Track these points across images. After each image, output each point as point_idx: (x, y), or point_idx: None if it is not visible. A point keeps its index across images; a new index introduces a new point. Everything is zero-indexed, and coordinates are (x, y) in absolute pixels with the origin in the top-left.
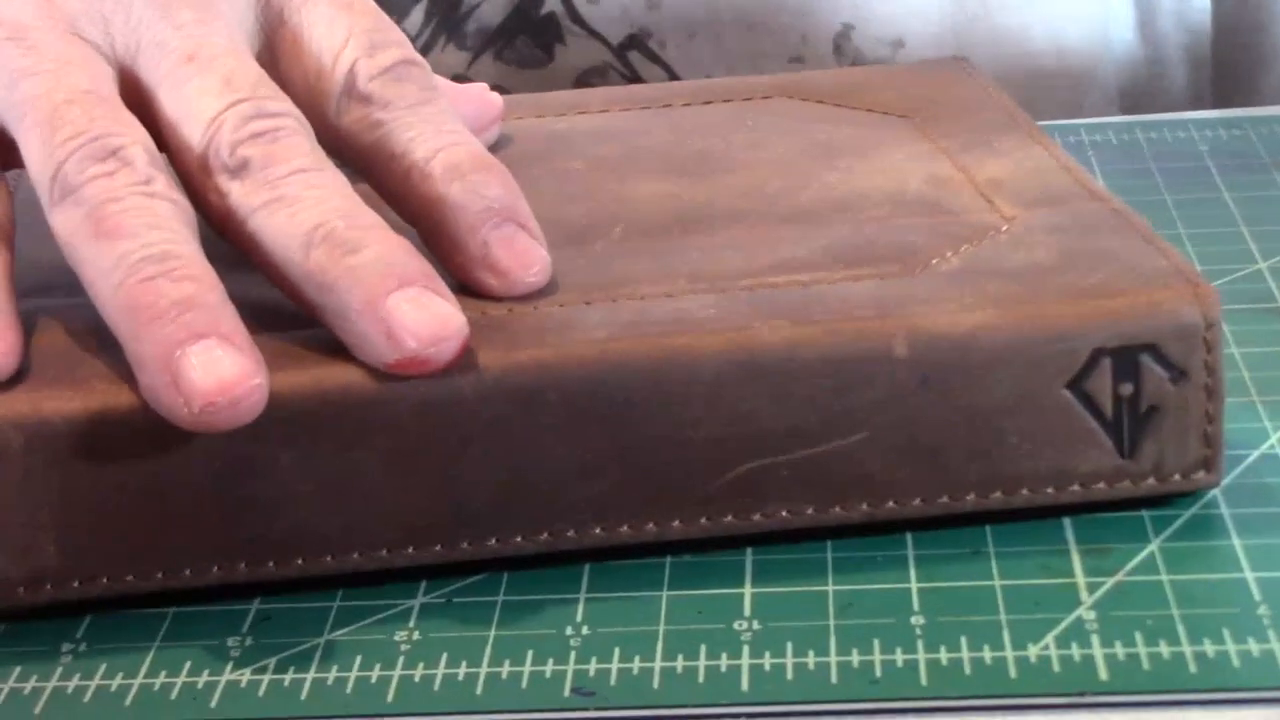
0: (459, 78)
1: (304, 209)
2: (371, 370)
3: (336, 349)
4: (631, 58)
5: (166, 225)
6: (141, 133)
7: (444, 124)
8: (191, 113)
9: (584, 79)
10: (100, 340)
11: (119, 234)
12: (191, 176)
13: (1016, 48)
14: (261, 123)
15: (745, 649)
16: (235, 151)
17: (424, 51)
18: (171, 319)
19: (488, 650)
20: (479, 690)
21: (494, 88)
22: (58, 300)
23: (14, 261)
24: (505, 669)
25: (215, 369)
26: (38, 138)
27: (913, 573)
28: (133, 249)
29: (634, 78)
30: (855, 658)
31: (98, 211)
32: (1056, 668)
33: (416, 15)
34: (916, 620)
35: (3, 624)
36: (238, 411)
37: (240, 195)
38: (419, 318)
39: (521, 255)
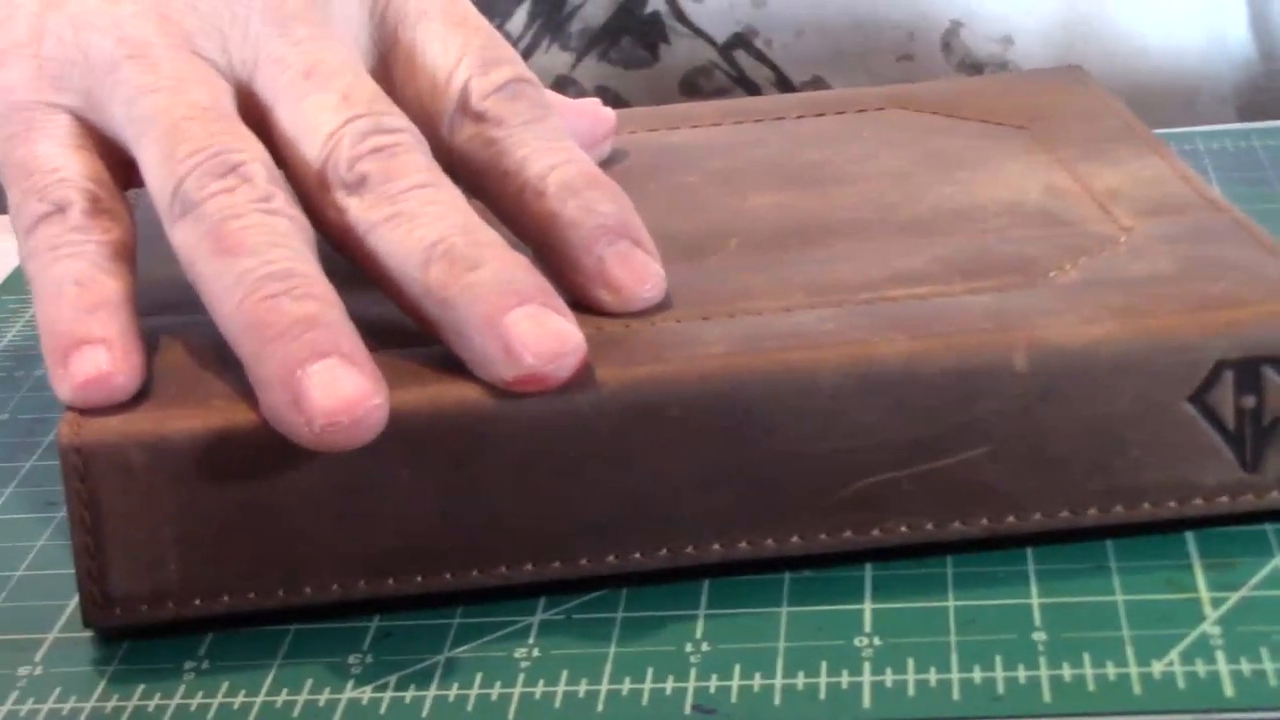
0: (563, 79)
1: (423, 224)
2: (489, 387)
3: (454, 366)
4: (737, 56)
5: (287, 242)
6: (260, 149)
7: (557, 141)
8: (309, 128)
9: (689, 79)
10: (220, 358)
11: (240, 251)
12: (309, 192)
13: (1128, 44)
14: (380, 138)
15: (866, 665)
16: (354, 167)
17: (527, 53)
18: (293, 338)
19: (608, 667)
20: (600, 707)
21: (598, 89)
22: (178, 318)
23: (136, 281)
24: (625, 686)
25: (336, 388)
26: (158, 154)
27: (1034, 588)
28: (254, 266)
29: (740, 77)
30: (977, 674)
31: (219, 229)
32: (1181, 684)
33: (520, 16)
34: (1038, 636)
35: (126, 642)
36: (359, 430)
37: (359, 211)
38: (537, 334)
39: (637, 271)
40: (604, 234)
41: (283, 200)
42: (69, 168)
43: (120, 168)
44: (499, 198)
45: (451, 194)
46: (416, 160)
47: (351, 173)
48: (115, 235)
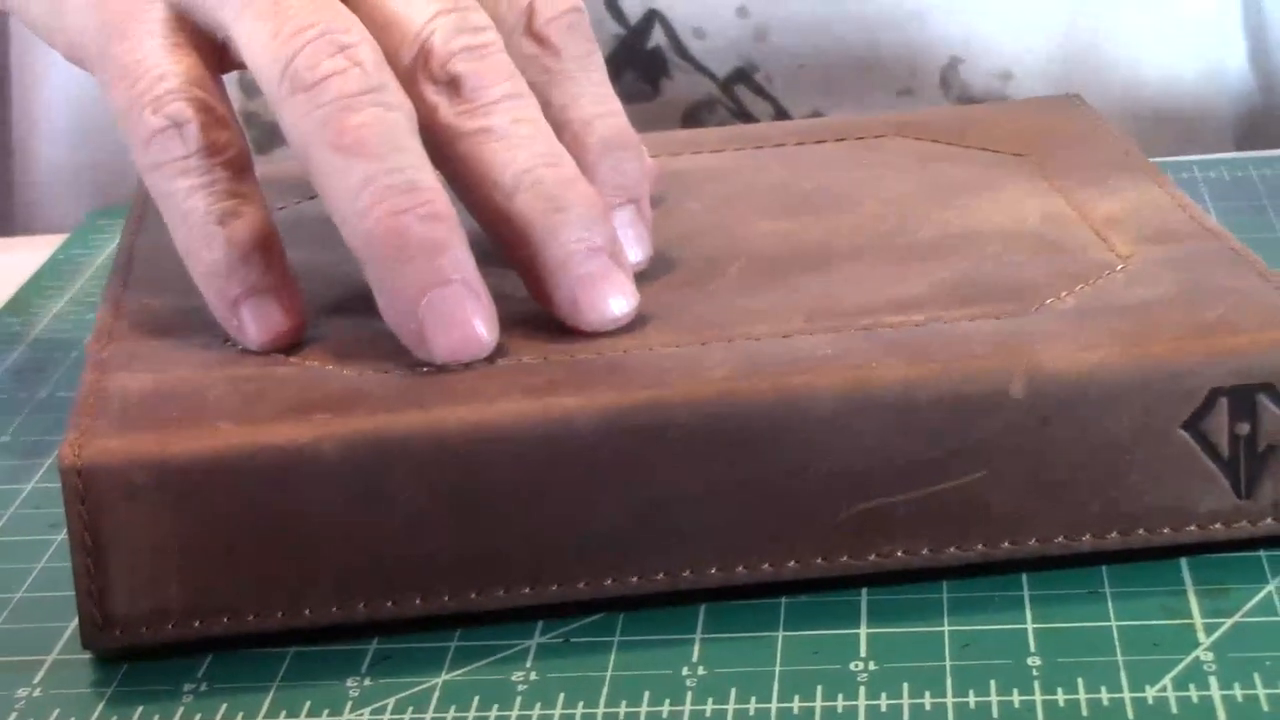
0: None
1: (514, 147)
2: (489, 410)
3: (458, 388)
4: (738, 92)
5: (407, 145)
6: (364, 31)
7: (602, 87)
8: (400, 17)
9: (691, 113)
10: (227, 379)
11: (361, 151)
12: (400, 82)
13: (1127, 79)
14: (469, 37)
15: (861, 690)
16: (446, 66)
17: None
18: (421, 263)
19: (604, 690)
20: None
21: None
22: (179, 340)
23: (261, 190)
24: (622, 709)
25: (457, 322)
26: (263, 30)
27: (1029, 613)
28: (377, 173)
29: (741, 112)
30: (972, 699)
31: (337, 121)
32: (1174, 709)
33: None
34: (1033, 661)
35: (125, 664)
36: (470, 358)
37: (449, 115)
38: (602, 291)
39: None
40: (619, 198)
41: (394, 90)
42: (174, 72)
43: (214, 58)
44: None
45: (535, 110)
46: (504, 64)
47: (444, 71)
48: (235, 151)
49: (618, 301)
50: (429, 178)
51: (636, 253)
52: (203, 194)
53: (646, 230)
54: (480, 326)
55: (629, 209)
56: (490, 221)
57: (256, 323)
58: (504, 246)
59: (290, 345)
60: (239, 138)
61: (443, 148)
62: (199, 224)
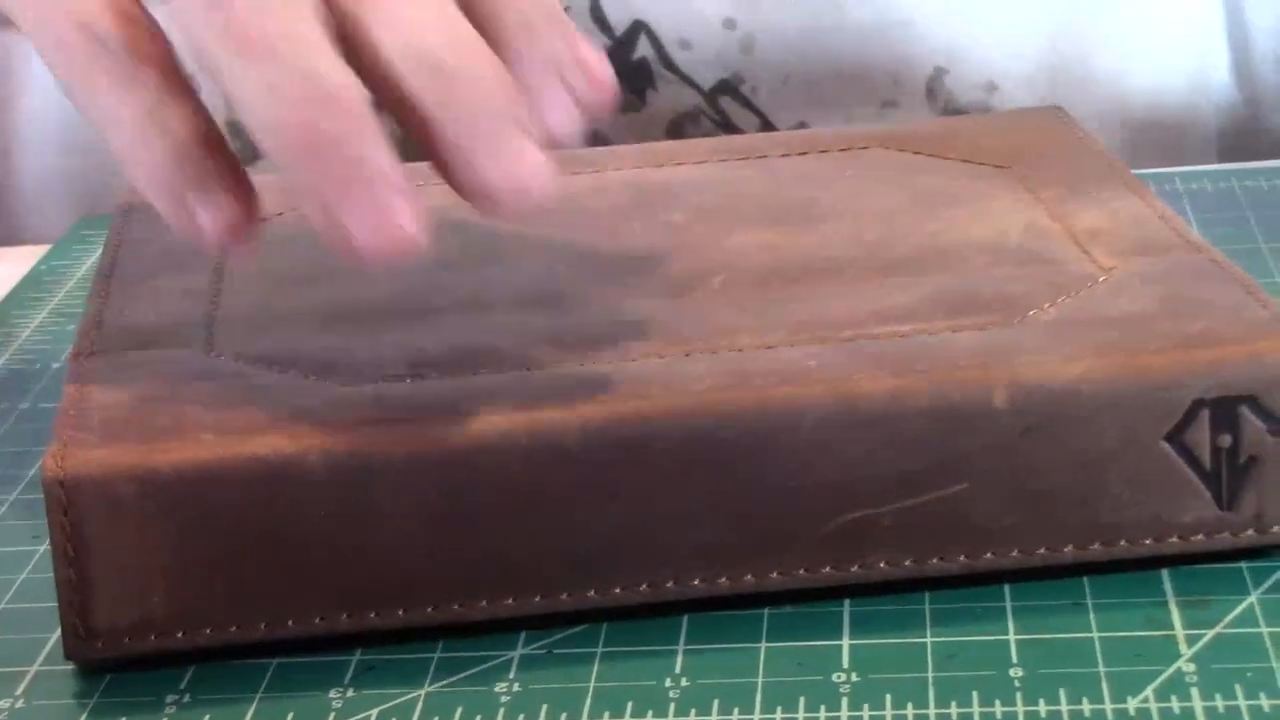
0: None
1: (417, 26)
2: (472, 423)
3: (443, 399)
4: (723, 103)
5: (315, 41)
6: None
7: None
8: None
9: (676, 124)
10: (210, 390)
11: (269, 55)
12: None
13: (1112, 90)
14: None
15: (844, 701)
16: None
17: None
18: (338, 161)
19: (588, 702)
20: None
21: (586, 133)
22: (163, 351)
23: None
24: None
25: (379, 223)
26: None
27: (1011, 624)
28: (287, 75)
29: (726, 123)
30: (954, 710)
31: (240, 25)
32: None
33: None
34: (1015, 672)
35: (108, 675)
36: (399, 255)
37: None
38: (512, 168)
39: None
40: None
41: None
42: None
43: None
44: None
45: None
46: None
47: None
48: (158, 50)
49: (524, 172)
50: (340, 73)
51: (564, 123)
52: (132, 97)
53: (575, 106)
54: (404, 220)
55: (553, 82)
56: (394, 105)
57: (209, 215)
58: (410, 130)
59: (247, 238)
60: (161, 39)
61: (348, 35)
62: (132, 126)
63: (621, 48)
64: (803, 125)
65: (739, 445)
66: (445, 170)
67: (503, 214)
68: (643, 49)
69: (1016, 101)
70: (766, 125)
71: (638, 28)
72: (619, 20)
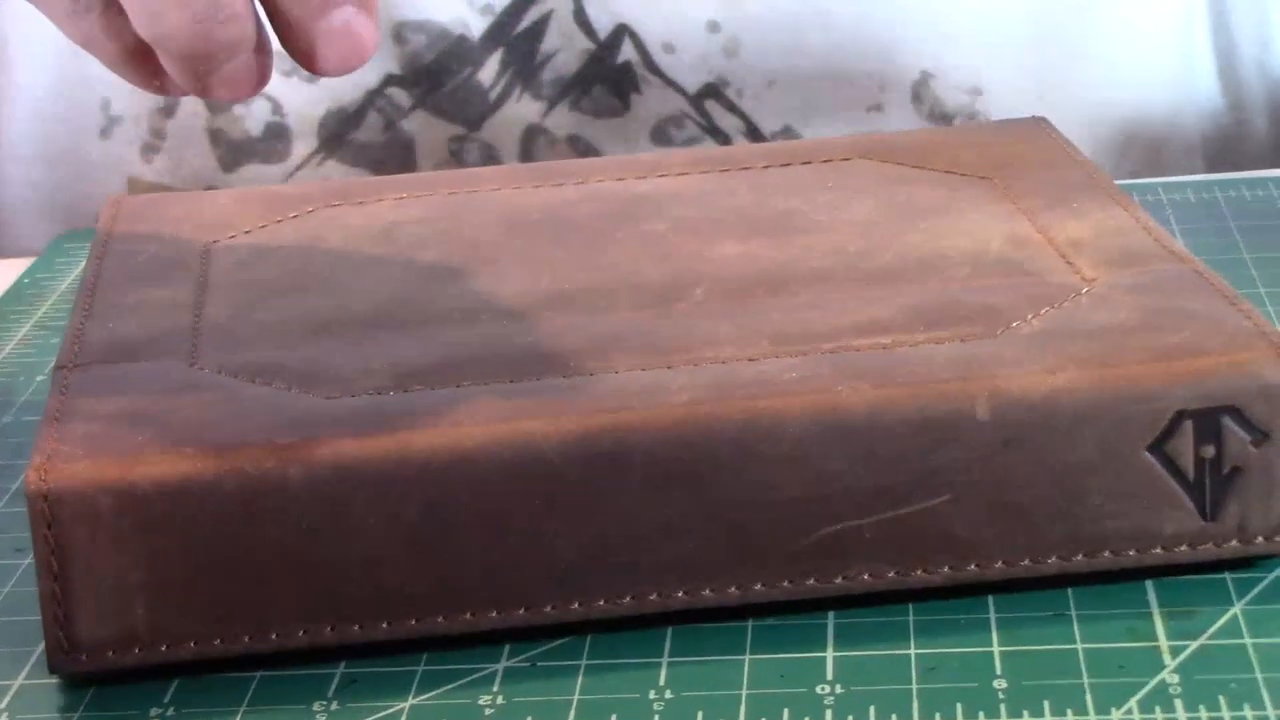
0: (534, 127)
1: None
2: (456, 433)
3: (424, 411)
4: (708, 107)
5: None
6: None
7: None
8: None
9: (661, 128)
10: (192, 404)
11: None
12: None
13: (1097, 95)
14: None
15: (829, 713)
16: None
17: (499, 101)
18: (227, 66)
19: (571, 714)
20: None
21: (570, 137)
22: (146, 364)
23: None
24: None
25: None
26: None
27: (995, 636)
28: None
29: (710, 127)
30: None
31: None
32: None
33: (492, 65)
34: (999, 684)
35: (92, 688)
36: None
37: None
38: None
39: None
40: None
41: None
42: None
43: None
44: None
45: None
46: None
47: None
48: None
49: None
50: None
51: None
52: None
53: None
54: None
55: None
56: None
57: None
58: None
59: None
60: None
61: None
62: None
63: (605, 51)
64: (788, 129)
65: (720, 457)
66: (279, 31)
67: (330, 73)
68: (626, 53)
69: (1002, 106)
70: (751, 129)
71: (621, 31)
72: (602, 24)
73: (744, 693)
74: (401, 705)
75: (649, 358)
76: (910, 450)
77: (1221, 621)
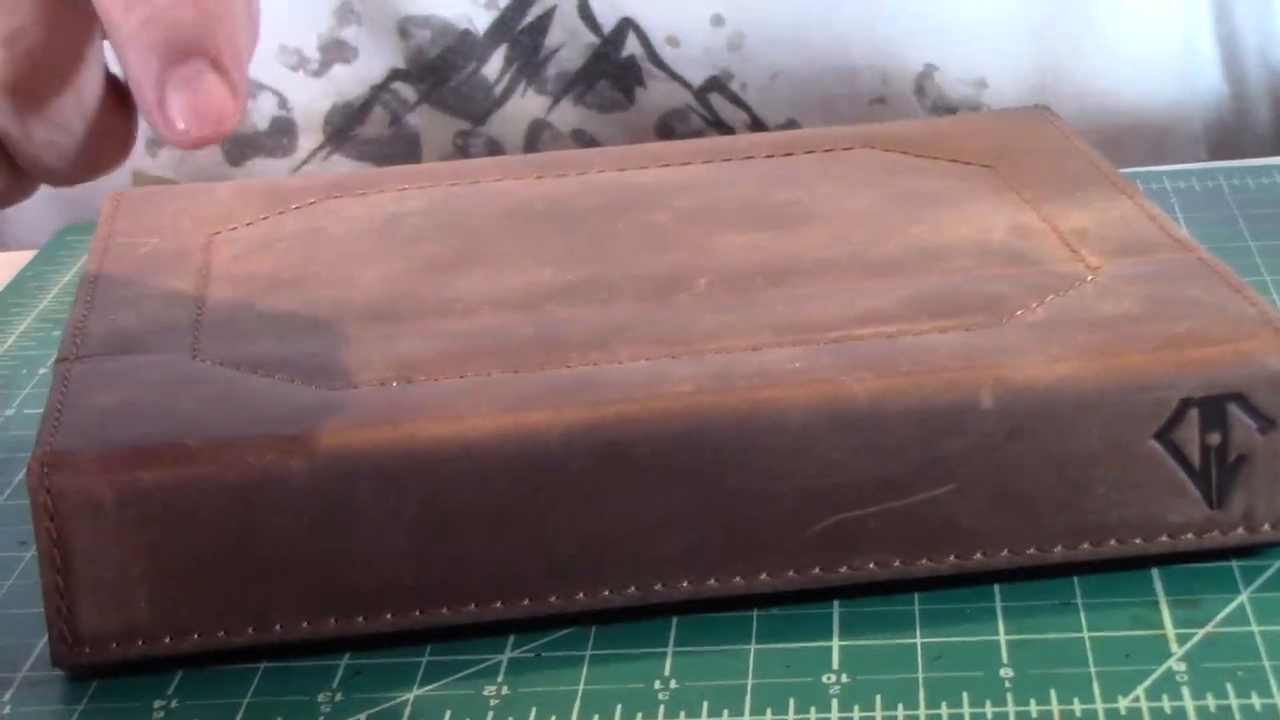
0: (539, 122)
1: None
2: (460, 426)
3: (427, 402)
4: (712, 100)
5: None
6: None
7: None
8: None
9: (665, 122)
10: (194, 396)
11: None
12: None
13: (1100, 85)
14: None
15: (834, 702)
16: None
17: (504, 96)
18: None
19: (576, 705)
20: None
21: (575, 131)
22: (146, 357)
23: None
24: None
25: (204, 98)
26: None
27: (1001, 625)
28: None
29: (715, 120)
30: (945, 711)
31: None
32: None
33: (496, 60)
34: (1005, 673)
35: (95, 681)
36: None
37: None
38: (193, 101)
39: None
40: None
41: None
42: None
43: None
44: None
45: None
46: None
47: None
48: None
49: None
50: None
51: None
52: None
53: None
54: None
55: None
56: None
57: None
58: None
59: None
60: None
61: None
62: None
63: (610, 45)
64: (792, 122)
65: (724, 447)
66: (137, 93)
67: (183, 141)
68: (631, 46)
69: (1005, 98)
70: (756, 122)
71: (626, 25)
72: (607, 18)
73: (749, 683)
74: (406, 696)
75: (652, 348)
76: (914, 440)
77: (1228, 609)
